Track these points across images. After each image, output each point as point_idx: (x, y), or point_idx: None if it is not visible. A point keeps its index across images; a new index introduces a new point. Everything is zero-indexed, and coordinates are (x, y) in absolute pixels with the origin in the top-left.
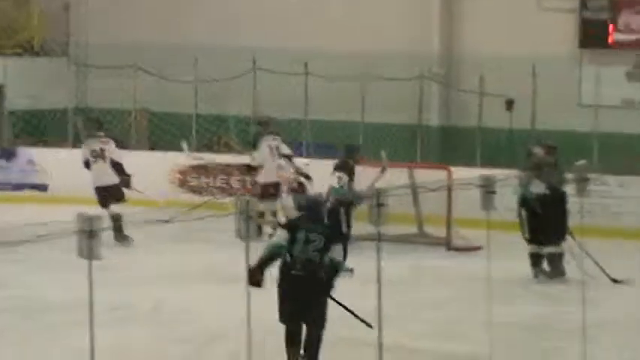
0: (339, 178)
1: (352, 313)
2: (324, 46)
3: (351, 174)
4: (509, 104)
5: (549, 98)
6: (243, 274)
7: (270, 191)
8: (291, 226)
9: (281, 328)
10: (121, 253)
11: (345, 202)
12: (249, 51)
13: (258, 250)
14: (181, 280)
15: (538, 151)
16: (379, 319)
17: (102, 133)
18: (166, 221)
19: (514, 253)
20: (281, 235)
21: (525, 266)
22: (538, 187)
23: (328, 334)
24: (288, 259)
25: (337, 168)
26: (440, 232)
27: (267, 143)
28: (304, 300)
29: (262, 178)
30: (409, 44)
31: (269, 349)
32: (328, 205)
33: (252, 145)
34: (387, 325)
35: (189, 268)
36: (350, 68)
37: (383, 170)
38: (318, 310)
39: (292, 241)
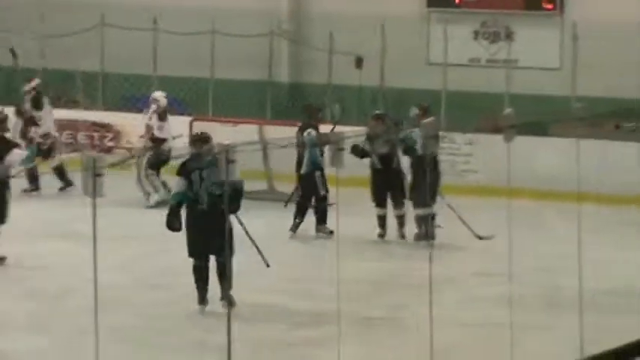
0: (309, 134)
1: (256, 246)
2: (172, 1)
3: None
4: (359, 62)
5: (398, 57)
6: (89, 230)
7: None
8: (182, 172)
9: (126, 284)
10: None
11: (319, 167)
12: (97, 6)
13: (103, 206)
14: (29, 236)
15: (414, 112)
16: (230, 276)
17: None
18: (12, 177)
19: (365, 210)
20: (179, 183)
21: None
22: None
23: (175, 294)
24: (192, 197)
25: (306, 127)
26: (291, 189)
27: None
28: (208, 232)
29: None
30: (258, 1)
31: (114, 304)
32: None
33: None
34: (236, 281)
35: (36, 223)
36: (199, 24)
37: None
38: (222, 240)
39: (189, 183)
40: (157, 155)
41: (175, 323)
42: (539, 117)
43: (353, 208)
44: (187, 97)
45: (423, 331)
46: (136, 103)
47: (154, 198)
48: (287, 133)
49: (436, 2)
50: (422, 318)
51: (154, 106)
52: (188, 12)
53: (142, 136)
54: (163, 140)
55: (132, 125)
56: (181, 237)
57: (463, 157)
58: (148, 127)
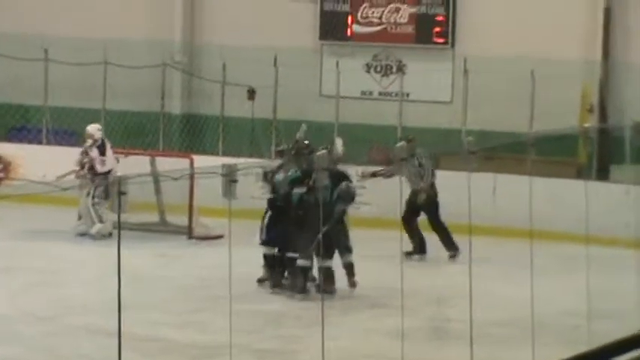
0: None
1: None
2: (63, 31)
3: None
4: (251, 94)
5: (291, 89)
6: None
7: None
8: None
9: (13, 316)
10: None
11: None
12: None
13: None
14: None
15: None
16: (119, 308)
17: None
18: None
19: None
20: None
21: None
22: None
23: (63, 326)
24: None
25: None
26: (182, 220)
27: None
28: None
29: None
30: (151, 32)
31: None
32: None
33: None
34: (126, 314)
35: None
36: (91, 55)
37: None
38: None
39: None
40: (106, 188)
41: (63, 357)
42: (431, 150)
43: (244, 240)
44: (79, 128)
45: None
46: (27, 134)
47: (96, 228)
48: (179, 164)
49: (329, 35)
50: (315, 350)
51: (89, 141)
52: (80, 42)
53: (76, 171)
54: (107, 172)
55: (21, 157)
56: (71, 269)
57: (356, 189)
58: (83, 163)
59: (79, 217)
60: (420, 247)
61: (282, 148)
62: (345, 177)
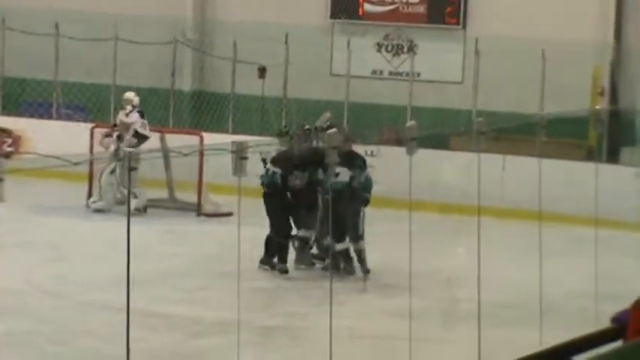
0: None
1: None
2: (75, 6)
3: None
4: (262, 72)
5: (302, 67)
6: None
7: None
8: None
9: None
10: None
11: None
12: None
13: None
14: None
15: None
16: (127, 284)
17: None
18: None
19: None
20: None
21: None
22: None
23: (72, 302)
24: None
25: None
26: (191, 197)
27: None
28: None
29: None
30: (162, 8)
31: (9, 309)
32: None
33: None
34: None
35: None
36: (102, 30)
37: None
38: None
39: None
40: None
41: (71, 332)
42: (441, 130)
43: (253, 219)
44: (89, 104)
45: (321, 342)
46: (38, 108)
47: (134, 203)
48: (189, 141)
49: (340, 13)
50: (321, 328)
51: (128, 107)
52: (90, 18)
53: (111, 135)
54: (146, 138)
55: (32, 131)
56: (80, 245)
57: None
58: (126, 125)
59: (93, 194)
60: None
61: (281, 131)
62: (358, 158)
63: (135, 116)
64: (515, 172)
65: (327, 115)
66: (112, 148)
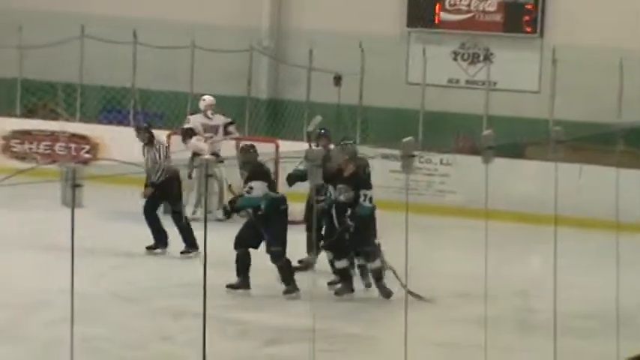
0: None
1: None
2: (153, 15)
3: None
4: (337, 80)
5: (377, 75)
6: (66, 241)
7: None
8: None
9: (99, 296)
10: None
11: None
12: (77, 17)
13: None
14: (3, 246)
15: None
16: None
17: None
18: None
19: None
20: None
21: None
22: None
23: (147, 307)
24: None
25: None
26: None
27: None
28: None
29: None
30: (239, 17)
31: (86, 315)
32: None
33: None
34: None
35: (11, 234)
36: (179, 38)
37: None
38: None
39: None
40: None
41: (146, 337)
42: (517, 139)
43: None
44: (166, 111)
45: (397, 349)
46: (117, 115)
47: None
48: (265, 149)
49: (416, 22)
50: (397, 336)
51: (210, 111)
52: (168, 26)
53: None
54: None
55: (110, 138)
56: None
57: (439, 177)
58: (215, 127)
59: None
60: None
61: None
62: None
63: (221, 118)
64: (592, 182)
65: (318, 118)
66: (205, 151)
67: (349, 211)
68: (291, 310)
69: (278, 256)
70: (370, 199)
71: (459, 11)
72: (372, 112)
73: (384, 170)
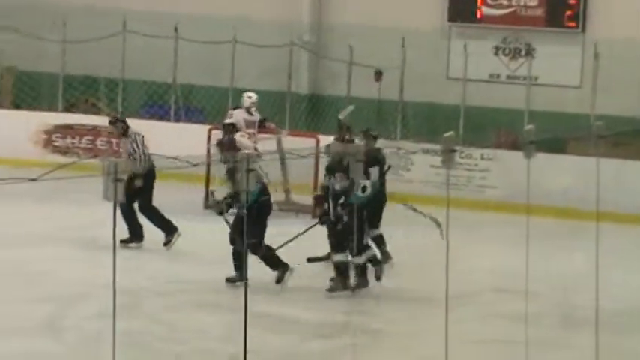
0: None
1: None
2: (194, 10)
3: None
4: (378, 75)
5: (418, 70)
6: (108, 235)
7: None
8: None
9: (139, 289)
10: None
11: None
12: (120, 13)
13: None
14: (45, 239)
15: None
16: (245, 285)
17: None
18: (33, 179)
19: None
20: None
21: None
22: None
23: (188, 301)
24: None
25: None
26: (307, 200)
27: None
28: None
29: None
30: (280, 11)
31: (126, 309)
32: None
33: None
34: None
35: (52, 228)
36: (220, 33)
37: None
38: None
39: None
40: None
41: (187, 331)
42: (558, 134)
43: None
44: (208, 106)
45: (437, 345)
46: (158, 110)
47: None
48: (305, 144)
49: (457, 17)
50: (436, 332)
51: (253, 108)
52: (209, 21)
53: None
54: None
55: (151, 133)
56: (196, 245)
57: (480, 172)
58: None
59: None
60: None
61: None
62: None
63: (257, 114)
64: (634, 177)
65: (351, 108)
66: (250, 148)
67: (342, 199)
68: (334, 305)
69: (253, 247)
70: (364, 189)
71: (500, 6)
72: (412, 107)
73: (424, 165)
